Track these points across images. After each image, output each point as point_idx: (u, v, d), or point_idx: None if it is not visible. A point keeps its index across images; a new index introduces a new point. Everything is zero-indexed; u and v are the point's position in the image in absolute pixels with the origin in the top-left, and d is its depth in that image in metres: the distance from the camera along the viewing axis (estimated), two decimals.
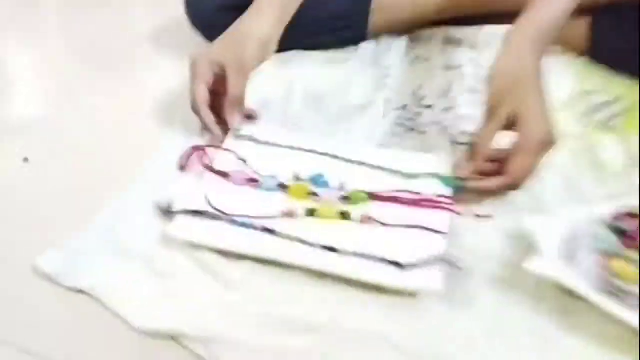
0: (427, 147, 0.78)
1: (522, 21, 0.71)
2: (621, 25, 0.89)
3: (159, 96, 0.92)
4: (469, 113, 0.83)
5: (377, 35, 1.01)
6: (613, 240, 0.58)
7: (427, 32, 1.02)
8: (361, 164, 0.74)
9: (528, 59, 0.69)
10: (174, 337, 0.56)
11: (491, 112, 0.69)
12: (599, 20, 0.92)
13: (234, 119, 0.77)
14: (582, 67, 0.92)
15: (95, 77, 1.03)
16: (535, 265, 0.57)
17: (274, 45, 0.80)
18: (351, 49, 0.99)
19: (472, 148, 0.70)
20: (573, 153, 0.76)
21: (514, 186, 0.68)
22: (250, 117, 0.81)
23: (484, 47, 0.97)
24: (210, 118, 0.77)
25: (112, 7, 1.26)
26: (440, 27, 1.01)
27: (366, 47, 0.99)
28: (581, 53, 0.95)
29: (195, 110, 0.77)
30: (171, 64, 1.00)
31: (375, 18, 0.99)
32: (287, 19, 0.82)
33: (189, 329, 0.56)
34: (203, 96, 0.76)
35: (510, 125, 0.68)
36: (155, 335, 0.56)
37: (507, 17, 0.96)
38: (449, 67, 0.94)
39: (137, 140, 0.83)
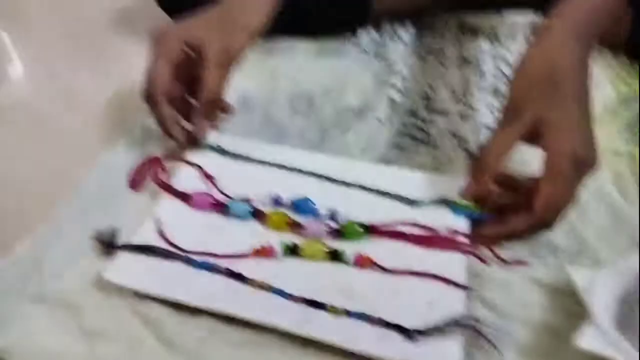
0: (439, 165, 0.64)
1: (564, 6, 0.55)
2: None
3: (118, 90, 0.76)
4: (490, 122, 0.68)
5: (379, 21, 0.86)
6: None
7: (437, 19, 0.86)
8: (357, 186, 0.59)
9: (568, 53, 0.53)
10: None
11: (511, 115, 0.53)
12: None
13: (205, 123, 0.61)
14: (622, 68, 0.78)
15: (45, 61, 0.87)
16: (588, 341, 0.43)
17: (260, 36, 0.64)
18: (347, 38, 0.84)
19: (478, 162, 0.54)
20: (619, 177, 0.61)
21: (544, 224, 0.52)
22: (223, 110, 0.64)
23: (506, 39, 0.82)
24: (169, 113, 0.59)
25: None
26: (452, 13, 0.86)
27: (366, 35, 0.84)
28: (619, 51, 0.80)
29: (150, 100, 0.59)
30: (137, 52, 0.84)
31: (379, 1, 0.83)
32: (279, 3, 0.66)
33: None
34: (163, 83, 0.58)
35: (535, 136, 0.52)
36: None
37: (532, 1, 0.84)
38: (464, 62, 0.79)
39: (82, 146, 0.67)
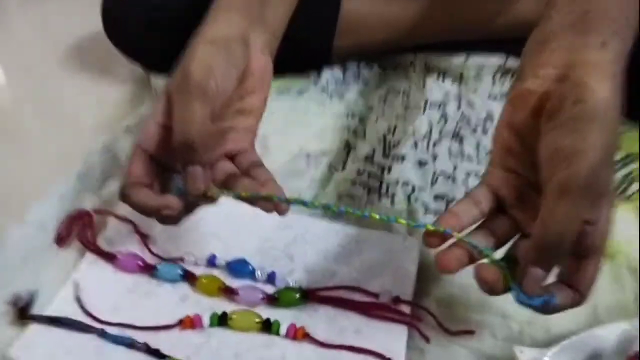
0: (392, 213, 0.59)
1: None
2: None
3: (63, 127, 0.73)
4: (449, 169, 0.65)
5: (343, 60, 0.83)
6: None
7: (403, 59, 0.83)
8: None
9: None
10: None
11: (582, 188, 0.36)
12: None
13: (189, 177, 0.44)
14: None
15: None
16: None
17: (253, 50, 0.52)
18: (311, 76, 0.81)
19: (550, 251, 0.38)
20: None
21: (584, 301, 0.42)
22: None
23: (472, 81, 0.79)
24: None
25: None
26: (418, 53, 0.83)
27: (329, 74, 0.81)
28: None
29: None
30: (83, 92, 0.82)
31: (341, 40, 0.80)
32: (261, 20, 0.56)
33: None
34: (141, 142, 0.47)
35: None
36: None
37: (495, 44, 0.81)
38: (428, 104, 0.75)
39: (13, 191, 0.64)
